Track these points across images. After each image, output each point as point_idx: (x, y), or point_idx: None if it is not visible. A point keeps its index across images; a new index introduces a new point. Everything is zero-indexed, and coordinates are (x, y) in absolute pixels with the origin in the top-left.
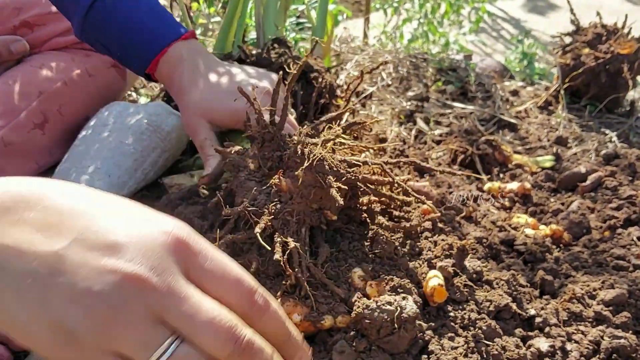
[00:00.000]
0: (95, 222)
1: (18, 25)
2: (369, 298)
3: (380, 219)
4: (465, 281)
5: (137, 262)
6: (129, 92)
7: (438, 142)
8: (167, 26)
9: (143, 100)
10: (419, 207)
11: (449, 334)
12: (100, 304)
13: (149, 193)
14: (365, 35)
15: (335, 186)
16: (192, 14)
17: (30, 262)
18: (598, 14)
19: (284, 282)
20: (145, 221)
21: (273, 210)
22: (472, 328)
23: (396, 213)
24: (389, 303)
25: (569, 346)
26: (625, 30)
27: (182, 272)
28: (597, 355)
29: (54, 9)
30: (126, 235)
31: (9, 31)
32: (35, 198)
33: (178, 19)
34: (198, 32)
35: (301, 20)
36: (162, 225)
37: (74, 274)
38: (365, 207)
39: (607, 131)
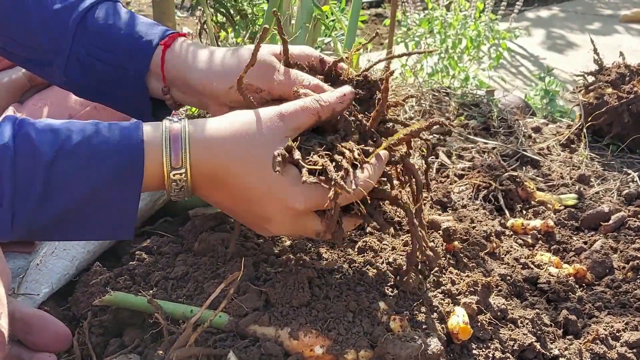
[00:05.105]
0: None
1: None
2: (392, 332)
3: None
4: (490, 319)
5: None
6: None
7: (460, 176)
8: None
9: None
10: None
11: None
12: None
13: (172, 219)
14: (387, 68)
15: None
16: (219, 43)
17: None
18: (621, 54)
19: None
20: None
21: None
22: None
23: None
24: (413, 339)
25: None
26: None
27: None
28: None
29: None
30: None
31: None
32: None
33: None
34: None
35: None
36: None
37: None
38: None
39: (630, 171)
